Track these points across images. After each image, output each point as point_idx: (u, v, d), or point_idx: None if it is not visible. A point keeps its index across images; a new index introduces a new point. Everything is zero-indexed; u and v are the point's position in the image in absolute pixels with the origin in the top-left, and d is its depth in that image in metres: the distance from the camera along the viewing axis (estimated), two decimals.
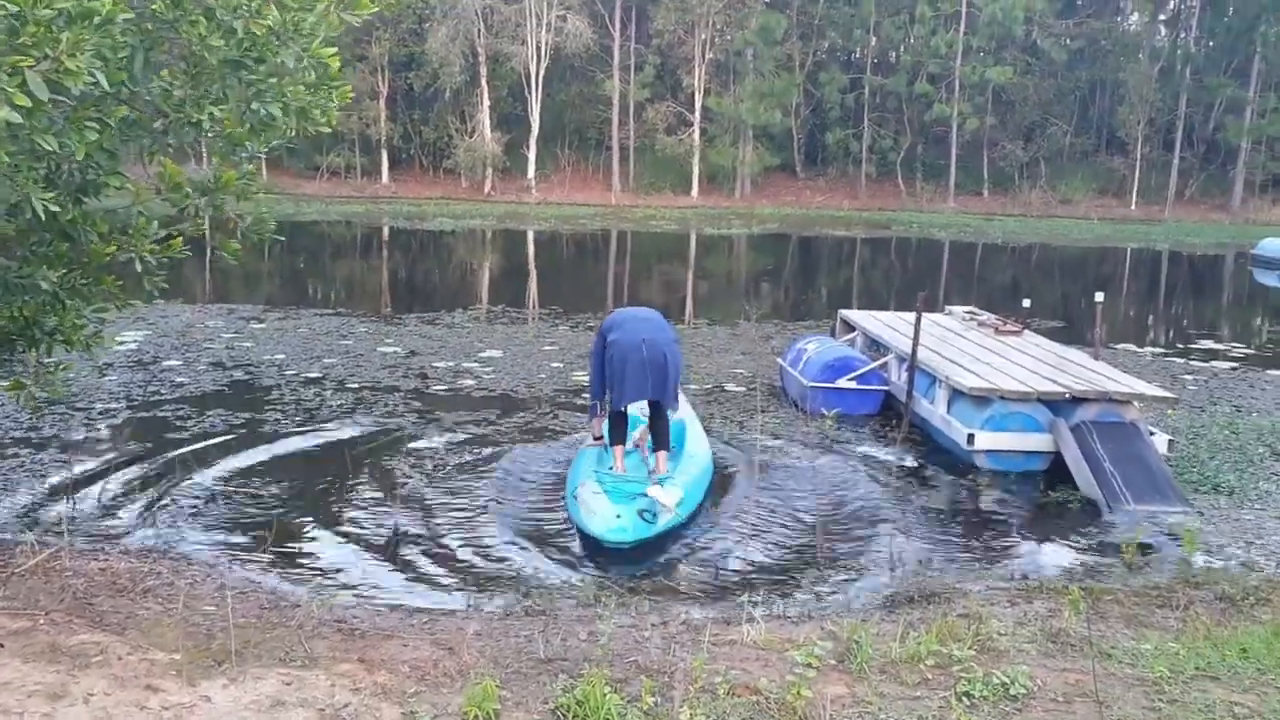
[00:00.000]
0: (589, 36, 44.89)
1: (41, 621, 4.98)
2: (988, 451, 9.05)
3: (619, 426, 8.08)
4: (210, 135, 5.10)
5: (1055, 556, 7.26)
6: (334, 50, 5.12)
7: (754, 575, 6.66)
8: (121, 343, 12.92)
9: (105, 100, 4.45)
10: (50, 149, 4.12)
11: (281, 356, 12.88)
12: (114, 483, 7.87)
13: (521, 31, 44.17)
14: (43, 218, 4.58)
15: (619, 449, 8.01)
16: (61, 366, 6.33)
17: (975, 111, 47.00)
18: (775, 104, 45.87)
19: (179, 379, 11.43)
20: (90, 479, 7.91)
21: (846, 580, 6.64)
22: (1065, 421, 8.92)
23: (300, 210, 36.71)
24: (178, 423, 9.67)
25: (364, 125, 44.07)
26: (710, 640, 5.07)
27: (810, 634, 5.26)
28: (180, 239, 5.72)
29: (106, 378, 11.22)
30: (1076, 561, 7.17)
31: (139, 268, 5.46)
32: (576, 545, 7.07)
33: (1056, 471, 8.88)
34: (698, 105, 46.48)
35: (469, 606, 5.95)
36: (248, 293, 19.33)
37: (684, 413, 9.05)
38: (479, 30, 43.78)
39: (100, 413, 9.88)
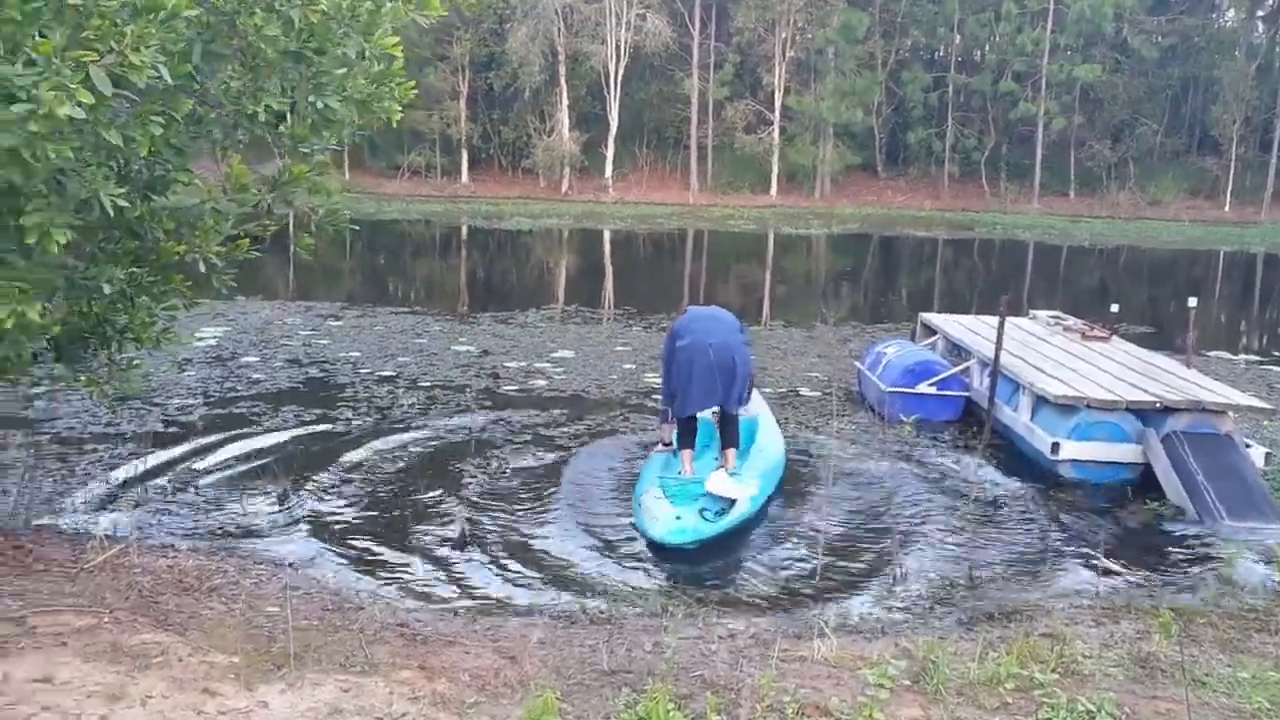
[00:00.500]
0: (668, 35, 44.83)
1: (106, 619, 4.97)
2: (1073, 461, 8.75)
3: (688, 432, 7.94)
4: (268, 126, 5.05)
5: (1144, 574, 6.93)
6: (396, 40, 5.04)
7: (826, 587, 6.46)
8: (200, 339, 13.10)
9: (171, 94, 4.41)
10: (115, 143, 4.09)
11: (357, 354, 12.96)
12: (186, 479, 7.92)
13: (601, 30, 44.24)
14: (112, 214, 4.56)
15: (687, 453, 7.87)
16: (134, 363, 6.36)
17: (1062, 110, 45.98)
18: (856, 102, 45.35)
19: (256, 375, 11.53)
20: (163, 475, 7.97)
21: (923, 594, 6.42)
22: (1155, 432, 8.58)
23: (381, 209, 37.13)
24: (253, 419, 9.74)
25: (444, 125, 44.51)
26: (779, 656, 4.89)
27: (884, 651, 5.06)
28: (247, 240, 5.70)
29: (185, 373, 11.36)
30: (1167, 580, 6.86)
31: (203, 268, 5.44)
32: (644, 552, 6.94)
33: (1145, 484, 8.54)
34: (777, 104, 46.12)
35: (533, 613, 5.85)
36: (327, 290, 19.56)
37: (757, 408, 8.92)
38: (559, 29, 43.96)
39: (177, 408, 9.99)
